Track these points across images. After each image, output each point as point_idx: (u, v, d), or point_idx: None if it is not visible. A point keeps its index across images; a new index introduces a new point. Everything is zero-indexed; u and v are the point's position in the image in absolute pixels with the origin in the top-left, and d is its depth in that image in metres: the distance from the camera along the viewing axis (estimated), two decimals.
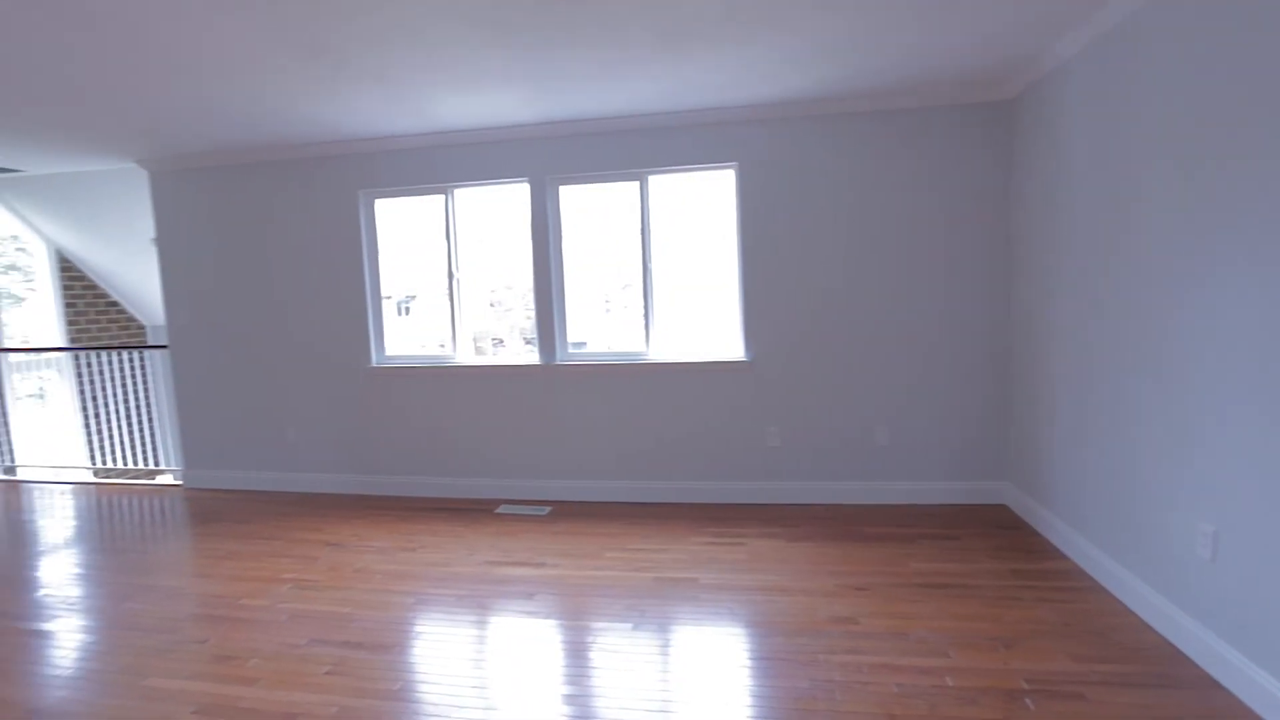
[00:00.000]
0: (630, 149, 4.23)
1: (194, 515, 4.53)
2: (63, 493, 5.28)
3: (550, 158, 4.34)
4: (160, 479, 5.81)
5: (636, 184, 4.30)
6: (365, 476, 4.85)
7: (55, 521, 4.56)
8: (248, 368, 5.01)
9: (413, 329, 4.94)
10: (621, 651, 2.61)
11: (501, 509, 4.36)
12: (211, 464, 5.17)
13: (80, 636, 2.93)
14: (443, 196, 4.57)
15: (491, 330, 4.85)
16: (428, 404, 4.68)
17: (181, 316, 5.09)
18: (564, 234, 4.44)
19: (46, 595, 3.36)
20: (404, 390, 4.71)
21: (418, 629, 2.86)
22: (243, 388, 5.04)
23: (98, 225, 6.41)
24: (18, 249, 6.59)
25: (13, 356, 5.95)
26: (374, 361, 4.76)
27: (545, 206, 4.38)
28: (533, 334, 4.87)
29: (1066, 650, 2.48)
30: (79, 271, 6.95)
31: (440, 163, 4.48)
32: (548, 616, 2.92)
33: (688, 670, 2.48)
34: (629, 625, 2.81)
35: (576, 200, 4.44)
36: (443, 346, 4.76)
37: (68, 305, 6.83)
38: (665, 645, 2.66)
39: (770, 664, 2.48)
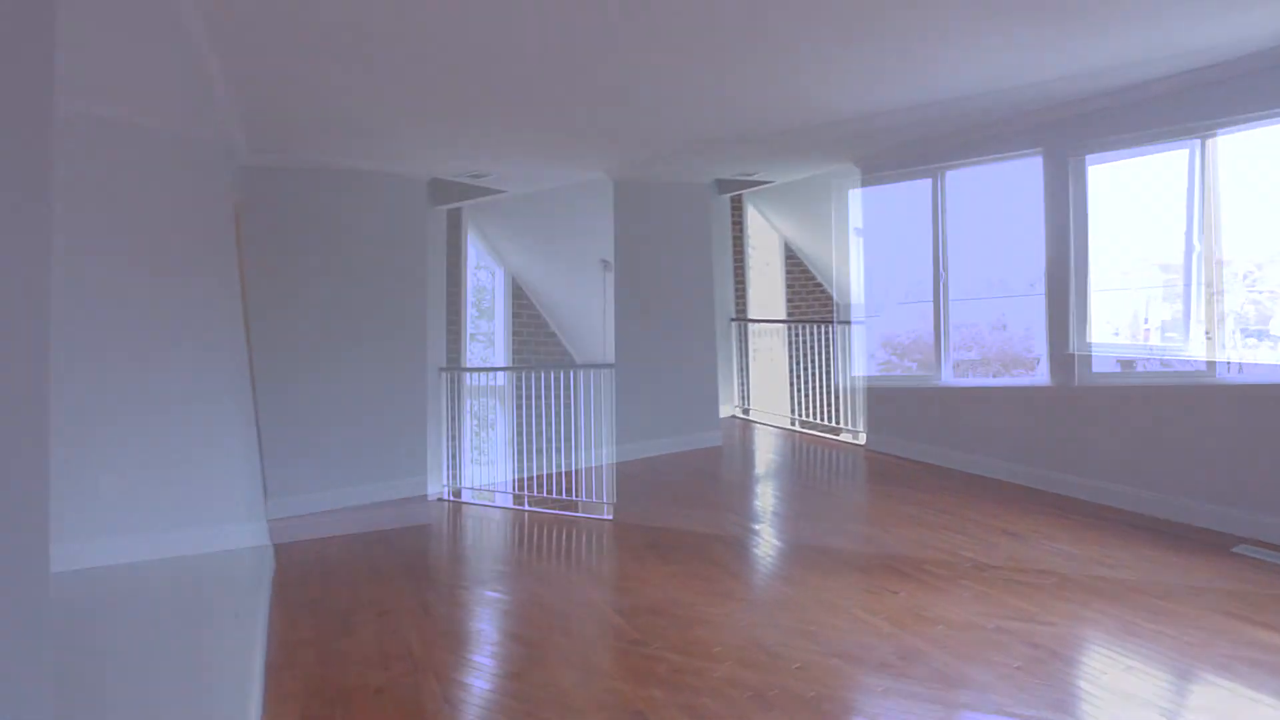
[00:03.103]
0: None
1: (872, 473, 5.00)
2: (776, 434, 6.59)
3: None
4: (842, 436, 6.65)
5: None
6: (1042, 471, 4.43)
7: (770, 455, 5.72)
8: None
9: None
10: None
11: (1240, 548, 3.34)
12: (889, 431, 5.60)
13: (778, 544, 3.54)
14: (1186, 151, 3.71)
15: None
16: (1142, 403, 3.94)
17: (876, 296, 5.65)
18: None
19: (760, 505, 4.22)
20: (1110, 384, 4.08)
21: (1126, 662, 2.42)
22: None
23: (811, 221, 7.69)
24: (753, 248, 8.48)
25: (752, 326, 7.78)
26: (1072, 349, 4.27)
27: None
28: (1256, 325, 3.80)
29: None
30: (798, 259, 8.52)
31: (1190, 104, 3.62)
32: None
33: None
34: None
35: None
36: (1117, 335, 4.07)
37: (788, 286, 8.45)
38: None
39: None
